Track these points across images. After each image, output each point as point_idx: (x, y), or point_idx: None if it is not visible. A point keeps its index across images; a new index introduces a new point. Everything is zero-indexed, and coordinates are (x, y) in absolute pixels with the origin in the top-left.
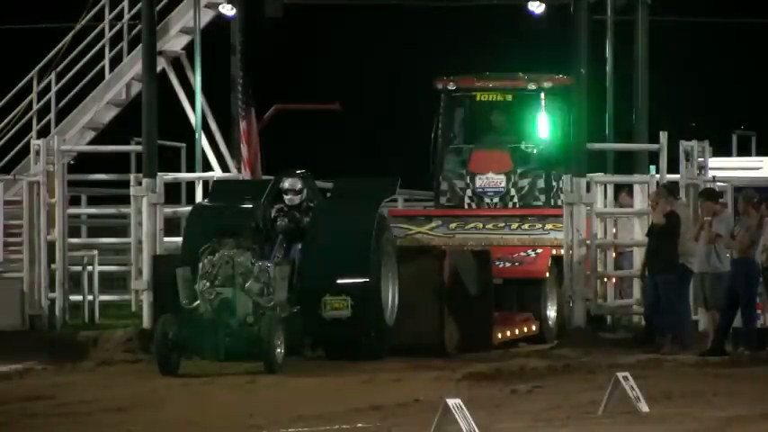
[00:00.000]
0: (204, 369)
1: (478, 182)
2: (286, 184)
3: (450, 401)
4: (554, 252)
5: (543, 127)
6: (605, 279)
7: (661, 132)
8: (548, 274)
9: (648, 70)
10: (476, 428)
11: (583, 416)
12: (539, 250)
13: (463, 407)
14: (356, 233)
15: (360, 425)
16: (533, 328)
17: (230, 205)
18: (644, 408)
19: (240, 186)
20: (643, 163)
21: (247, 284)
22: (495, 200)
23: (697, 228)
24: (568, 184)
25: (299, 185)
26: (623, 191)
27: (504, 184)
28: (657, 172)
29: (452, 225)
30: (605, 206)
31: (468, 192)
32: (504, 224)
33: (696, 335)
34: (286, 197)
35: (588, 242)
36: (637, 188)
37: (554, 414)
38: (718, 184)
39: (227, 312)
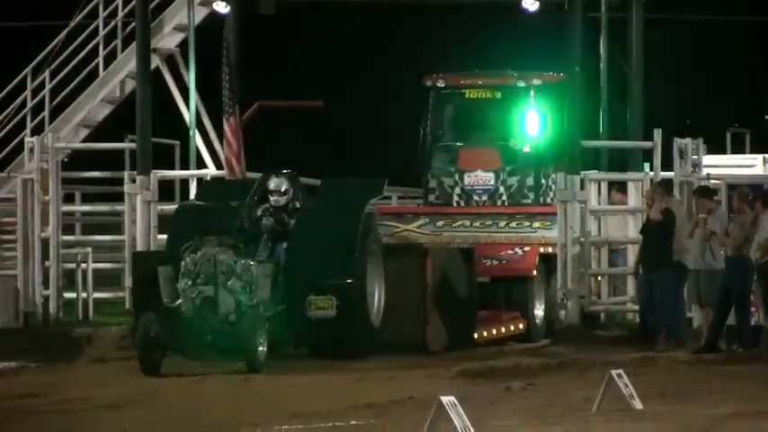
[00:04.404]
0: (199, 367)
1: (467, 179)
2: (271, 184)
3: (445, 399)
4: (542, 250)
5: (532, 124)
6: (599, 277)
7: (655, 130)
8: (535, 272)
9: (643, 68)
10: (470, 426)
11: (577, 413)
12: (526, 248)
13: (457, 404)
14: (342, 233)
15: (354, 422)
16: (520, 326)
17: (215, 204)
18: (638, 405)
19: (227, 186)
20: (637, 160)
21: (229, 283)
22: (484, 198)
23: (692, 225)
24: (562, 181)
25: (284, 186)
26: (613, 188)
27: (492, 182)
28: (651, 169)
29: (440, 223)
30: (599, 204)
31: (457, 189)
32: (491, 222)
33: (690, 332)
34: (272, 198)
35: (582, 240)
36: (631, 186)
37: (548, 411)
38: (713, 181)
39: (209, 311)
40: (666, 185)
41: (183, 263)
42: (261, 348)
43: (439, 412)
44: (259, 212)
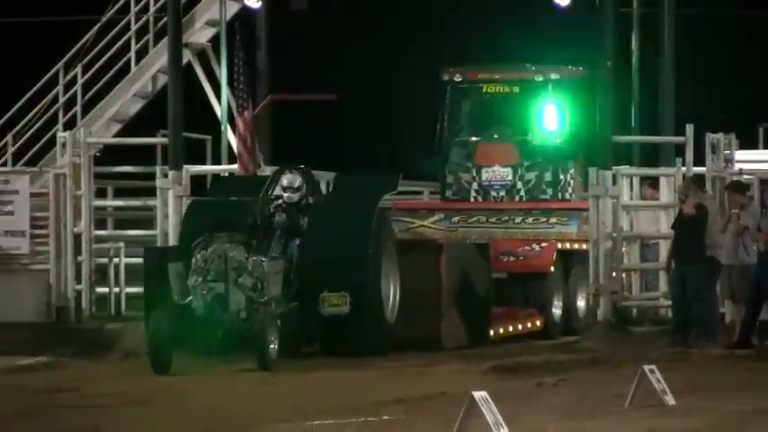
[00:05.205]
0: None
1: (485, 175)
2: (285, 181)
3: (477, 394)
4: (559, 246)
5: (551, 119)
6: (631, 272)
7: (687, 125)
8: (553, 269)
9: (675, 63)
10: (502, 421)
11: (609, 409)
12: (544, 244)
13: (489, 399)
14: (355, 229)
15: (386, 417)
16: (537, 323)
17: (227, 200)
18: (670, 401)
19: (240, 182)
20: (669, 156)
21: (240, 279)
22: (502, 193)
23: (724, 220)
24: (594, 176)
25: (297, 182)
26: (645, 183)
27: (510, 178)
28: (683, 165)
29: (455, 219)
30: (631, 199)
31: (475, 185)
32: (507, 218)
33: (723, 327)
34: (285, 194)
35: (614, 235)
36: (662, 181)
37: (580, 407)
38: (745, 176)
39: (220, 307)
40: (699, 181)
41: (193, 259)
42: (272, 346)
43: (471, 407)
44: (272, 209)
